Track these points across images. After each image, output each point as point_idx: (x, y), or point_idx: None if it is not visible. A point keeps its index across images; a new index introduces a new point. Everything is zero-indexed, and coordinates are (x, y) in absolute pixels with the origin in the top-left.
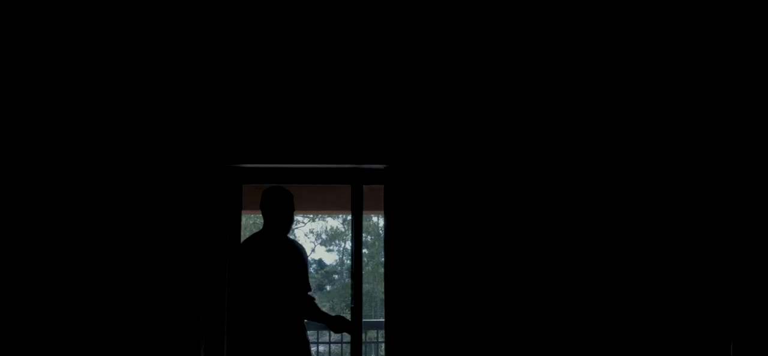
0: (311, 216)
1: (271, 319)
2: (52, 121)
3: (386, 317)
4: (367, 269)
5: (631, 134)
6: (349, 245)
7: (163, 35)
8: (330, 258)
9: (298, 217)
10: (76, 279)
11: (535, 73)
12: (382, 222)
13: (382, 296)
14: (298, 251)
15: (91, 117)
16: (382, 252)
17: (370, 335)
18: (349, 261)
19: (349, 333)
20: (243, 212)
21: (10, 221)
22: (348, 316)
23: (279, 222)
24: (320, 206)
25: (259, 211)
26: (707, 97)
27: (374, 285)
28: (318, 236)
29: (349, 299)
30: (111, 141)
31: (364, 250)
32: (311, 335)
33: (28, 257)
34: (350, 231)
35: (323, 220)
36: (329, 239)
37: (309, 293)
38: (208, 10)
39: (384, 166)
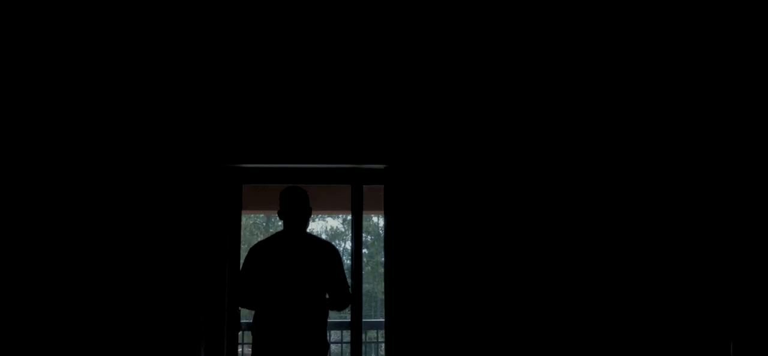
0: (311, 216)
1: (287, 316)
2: (56, 123)
3: (386, 317)
4: (367, 269)
5: (630, 135)
6: (349, 245)
7: (164, 38)
8: None
9: None
10: (78, 278)
11: (533, 75)
12: (382, 222)
13: (382, 296)
14: (321, 249)
15: (94, 118)
16: (382, 252)
17: (370, 335)
18: (349, 261)
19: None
20: (243, 212)
21: (14, 221)
22: (348, 316)
23: (291, 220)
24: (320, 206)
25: (260, 211)
26: (706, 99)
27: (374, 285)
28: (318, 236)
29: None
30: (113, 142)
31: (364, 250)
32: None
33: (31, 256)
34: (350, 231)
35: (323, 220)
36: (329, 239)
37: (346, 290)
38: (208, 13)
39: (384, 165)
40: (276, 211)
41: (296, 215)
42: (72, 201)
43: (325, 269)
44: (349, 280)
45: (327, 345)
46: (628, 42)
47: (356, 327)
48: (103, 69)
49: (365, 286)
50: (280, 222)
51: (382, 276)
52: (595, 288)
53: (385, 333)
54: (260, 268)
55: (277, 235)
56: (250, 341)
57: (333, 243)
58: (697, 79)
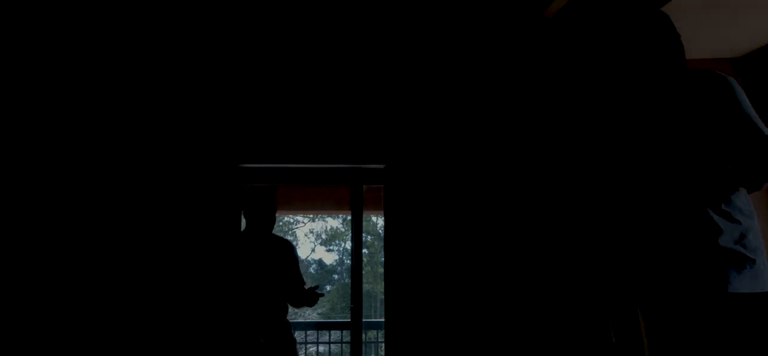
0: (311, 216)
1: (255, 315)
2: (86, 129)
3: (386, 317)
4: (366, 269)
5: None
6: (349, 245)
7: (184, 59)
8: (330, 258)
9: (298, 217)
10: (99, 273)
11: (528, 77)
12: (381, 222)
13: (382, 296)
14: (283, 247)
15: (117, 125)
16: (382, 252)
17: (370, 335)
18: (349, 261)
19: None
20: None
21: (40, 218)
22: (348, 316)
23: (259, 220)
24: (320, 206)
25: None
26: None
27: (374, 285)
28: (318, 236)
29: (349, 299)
30: (132, 147)
31: (364, 250)
32: (311, 335)
33: (49, 253)
34: (350, 231)
35: (323, 220)
36: (329, 239)
37: (305, 287)
38: (216, 31)
39: (383, 165)
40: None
41: (267, 217)
42: (87, 201)
43: (285, 265)
44: (346, 280)
45: (293, 341)
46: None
47: (356, 327)
48: (135, 86)
49: (365, 286)
50: (281, 223)
51: (382, 276)
52: (593, 286)
53: (385, 333)
54: (228, 267)
55: (242, 233)
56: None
57: (333, 243)
58: None
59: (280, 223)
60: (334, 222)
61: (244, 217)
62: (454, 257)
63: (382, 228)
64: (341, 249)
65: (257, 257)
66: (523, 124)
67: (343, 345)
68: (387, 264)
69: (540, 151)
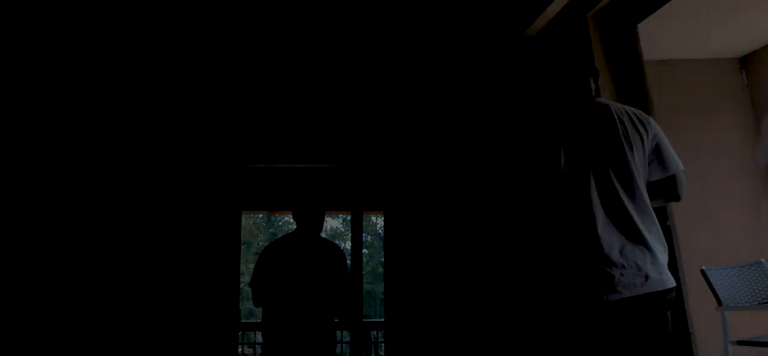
0: None
1: (303, 316)
2: (102, 131)
3: (386, 317)
4: (367, 269)
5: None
6: (349, 245)
7: (197, 66)
8: None
9: None
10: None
11: (511, 88)
12: (381, 222)
13: (382, 296)
14: (333, 253)
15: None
16: (382, 252)
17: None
18: (349, 261)
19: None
20: (243, 212)
21: (69, 213)
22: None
23: (308, 223)
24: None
25: (260, 212)
26: None
27: (374, 285)
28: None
29: None
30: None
31: (364, 250)
32: None
33: (71, 251)
34: (350, 231)
35: None
36: (329, 239)
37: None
38: (232, 45)
39: (382, 165)
40: (276, 212)
41: (315, 221)
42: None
43: (334, 271)
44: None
45: (335, 342)
46: None
47: (356, 327)
48: (152, 96)
49: (365, 286)
50: (281, 223)
51: (382, 276)
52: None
53: (385, 333)
54: (275, 268)
55: (290, 236)
56: (250, 341)
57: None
58: None
59: (280, 223)
60: (334, 222)
61: (294, 219)
62: (454, 257)
63: (382, 228)
64: (341, 248)
65: (303, 261)
66: (510, 130)
67: (343, 345)
68: (387, 264)
69: (526, 158)
